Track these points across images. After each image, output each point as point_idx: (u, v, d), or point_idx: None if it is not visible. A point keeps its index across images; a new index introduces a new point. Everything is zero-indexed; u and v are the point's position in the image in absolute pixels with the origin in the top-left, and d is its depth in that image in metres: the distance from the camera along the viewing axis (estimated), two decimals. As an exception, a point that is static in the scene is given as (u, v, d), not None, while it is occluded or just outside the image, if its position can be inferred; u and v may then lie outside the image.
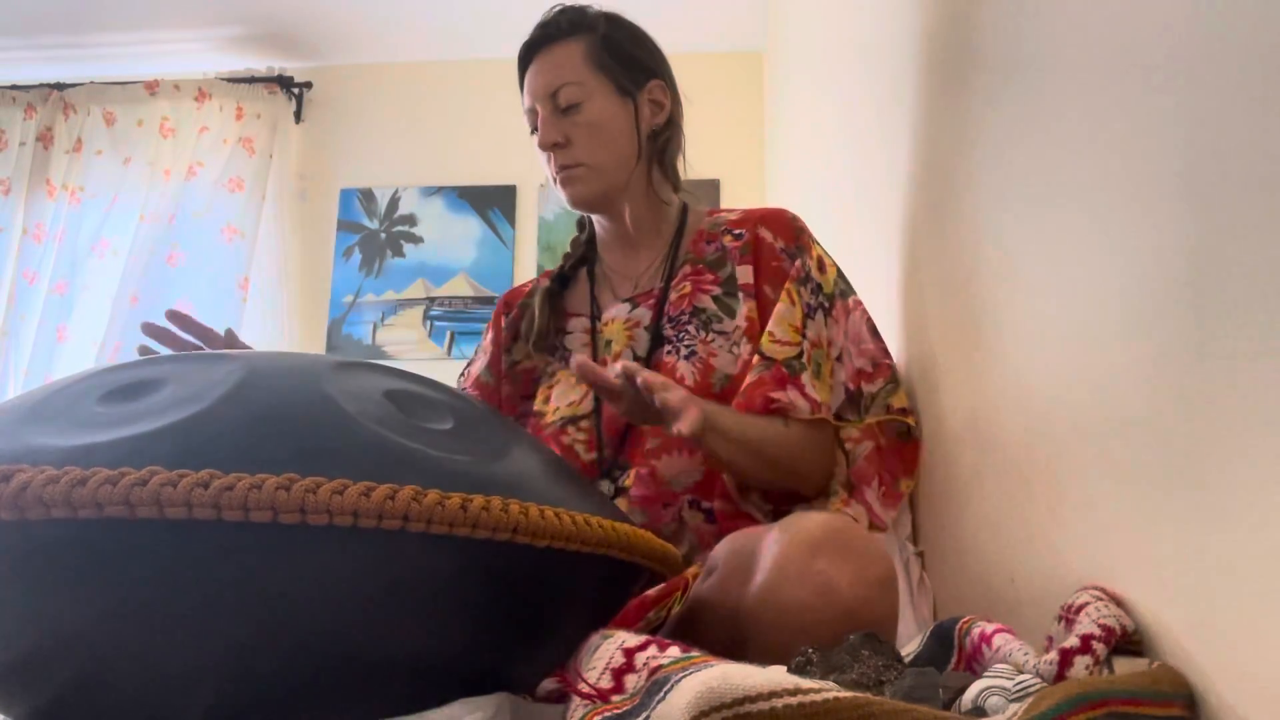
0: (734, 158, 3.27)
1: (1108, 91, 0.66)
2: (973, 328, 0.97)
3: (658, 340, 1.17)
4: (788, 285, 1.14)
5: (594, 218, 1.28)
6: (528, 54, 1.22)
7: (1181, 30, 0.57)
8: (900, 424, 1.15)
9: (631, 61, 1.22)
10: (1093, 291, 0.68)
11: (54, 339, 3.30)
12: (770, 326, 1.12)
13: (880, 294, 1.39)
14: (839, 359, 1.15)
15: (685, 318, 1.16)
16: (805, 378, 1.09)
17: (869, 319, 1.19)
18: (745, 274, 1.17)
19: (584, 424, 1.17)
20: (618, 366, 0.95)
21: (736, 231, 1.20)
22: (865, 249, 1.54)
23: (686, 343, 1.14)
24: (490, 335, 1.34)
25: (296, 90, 3.57)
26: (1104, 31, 0.67)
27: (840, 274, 1.21)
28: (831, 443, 1.13)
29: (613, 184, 1.20)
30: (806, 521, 0.76)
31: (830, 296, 1.17)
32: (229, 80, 3.53)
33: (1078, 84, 0.71)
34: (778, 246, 1.18)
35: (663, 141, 1.24)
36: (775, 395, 1.07)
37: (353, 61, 3.60)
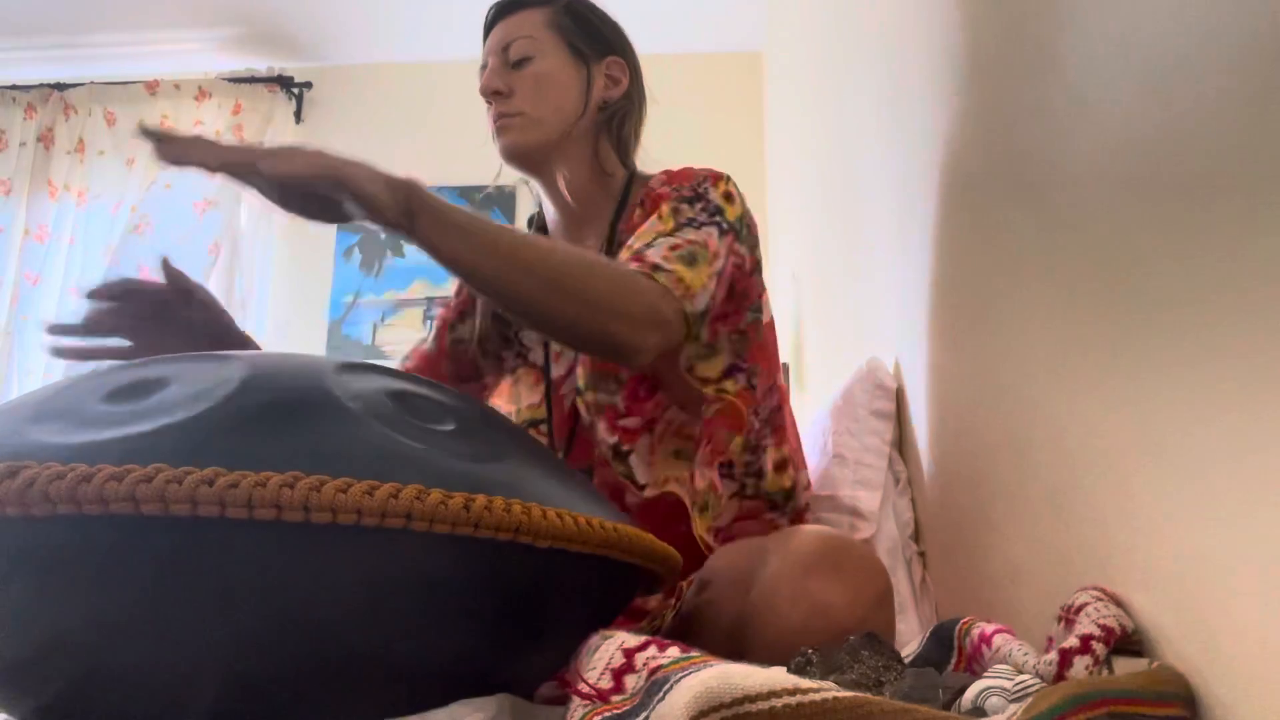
0: (734, 158, 3.27)
1: (1113, 86, 0.66)
2: (975, 326, 0.97)
3: None
4: (662, 206, 1.03)
5: (539, 194, 1.22)
6: (493, 19, 1.20)
7: (1188, 26, 0.57)
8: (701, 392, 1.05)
9: (591, 30, 1.18)
10: (1092, 290, 0.69)
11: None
12: (629, 240, 1.00)
13: (881, 292, 1.40)
14: (719, 274, 1.00)
15: None
16: (650, 252, 0.95)
17: (735, 276, 1.06)
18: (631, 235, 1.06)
19: (543, 427, 1.14)
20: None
21: (648, 200, 1.12)
22: (866, 247, 1.54)
23: None
24: (442, 310, 1.29)
25: (296, 90, 3.57)
26: (1109, 26, 0.67)
27: (744, 221, 1.07)
28: (667, 307, 0.91)
29: (547, 138, 1.13)
30: (801, 537, 0.75)
31: (731, 225, 1.04)
32: (229, 80, 3.53)
33: (1081, 80, 0.72)
34: (668, 190, 1.08)
35: (614, 114, 1.18)
36: None
37: (353, 61, 3.60)
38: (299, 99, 3.57)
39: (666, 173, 1.14)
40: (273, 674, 0.57)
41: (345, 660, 0.58)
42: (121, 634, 0.54)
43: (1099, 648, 0.57)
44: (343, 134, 3.57)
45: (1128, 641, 0.59)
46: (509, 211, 3.42)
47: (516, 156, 1.16)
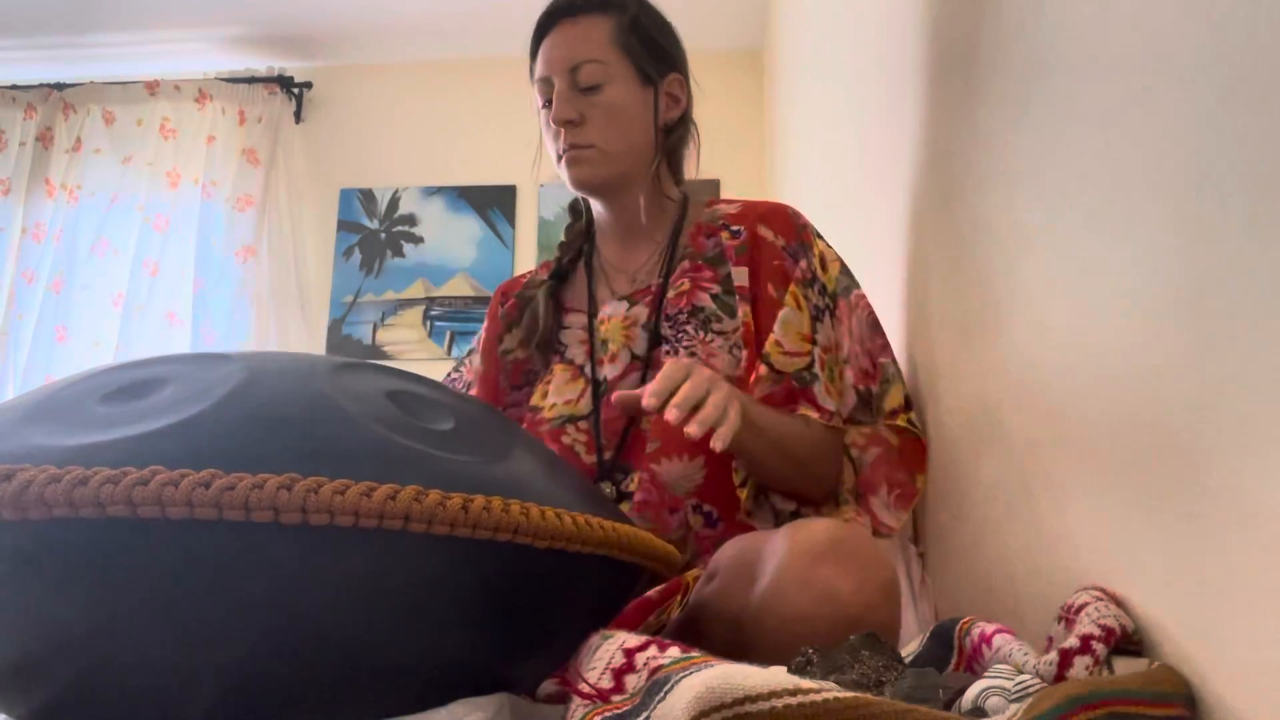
0: (734, 157, 3.27)
1: (1113, 88, 0.66)
2: (975, 327, 0.97)
3: (656, 339, 1.14)
4: (793, 288, 1.11)
5: (594, 207, 1.25)
6: (550, 20, 1.17)
7: (1184, 28, 0.57)
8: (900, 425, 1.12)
9: (656, 49, 1.18)
10: (1095, 292, 0.68)
11: (53, 338, 3.30)
12: (777, 335, 1.09)
13: (883, 293, 1.40)
14: (846, 361, 1.13)
15: (684, 317, 1.14)
16: (816, 389, 1.07)
17: (870, 313, 1.16)
18: (741, 275, 1.14)
19: (582, 424, 1.15)
20: (647, 401, 0.91)
21: (735, 228, 1.16)
22: (867, 247, 1.54)
23: (685, 343, 1.12)
24: (486, 324, 1.32)
25: (296, 90, 3.57)
26: (1106, 29, 0.67)
27: (843, 269, 1.17)
28: (842, 449, 1.11)
29: (621, 172, 1.16)
30: (809, 528, 0.75)
31: (834, 295, 1.14)
32: (229, 80, 3.53)
33: (1081, 81, 0.71)
34: (779, 245, 1.14)
35: (675, 138, 1.21)
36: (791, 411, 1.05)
37: (353, 61, 3.60)
38: (299, 99, 3.57)
39: (735, 202, 1.21)
40: (271, 675, 0.57)
41: (344, 661, 0.58)
42: (119, 636, 0.54)
43: (1099, 648, 0.57)
44: (343, 134, 3.57)
45: (1128, 641, 0.59)
46: (509, 211, 3.42)
47: (587, 188, 1.19)
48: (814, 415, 1.05)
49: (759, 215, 1.17)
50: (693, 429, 0.87)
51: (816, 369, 1.08)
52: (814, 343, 1.09)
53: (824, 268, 1.15)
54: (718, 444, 0.87)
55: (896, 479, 1.11)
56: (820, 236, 1.18)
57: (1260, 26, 0.49)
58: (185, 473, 0.52)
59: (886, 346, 1.16)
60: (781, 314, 1.10)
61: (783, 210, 1.18)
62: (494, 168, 3.38)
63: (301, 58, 3.57)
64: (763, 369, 1.07)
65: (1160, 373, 0.58)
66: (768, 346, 1.08)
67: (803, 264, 1.13)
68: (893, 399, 1.12)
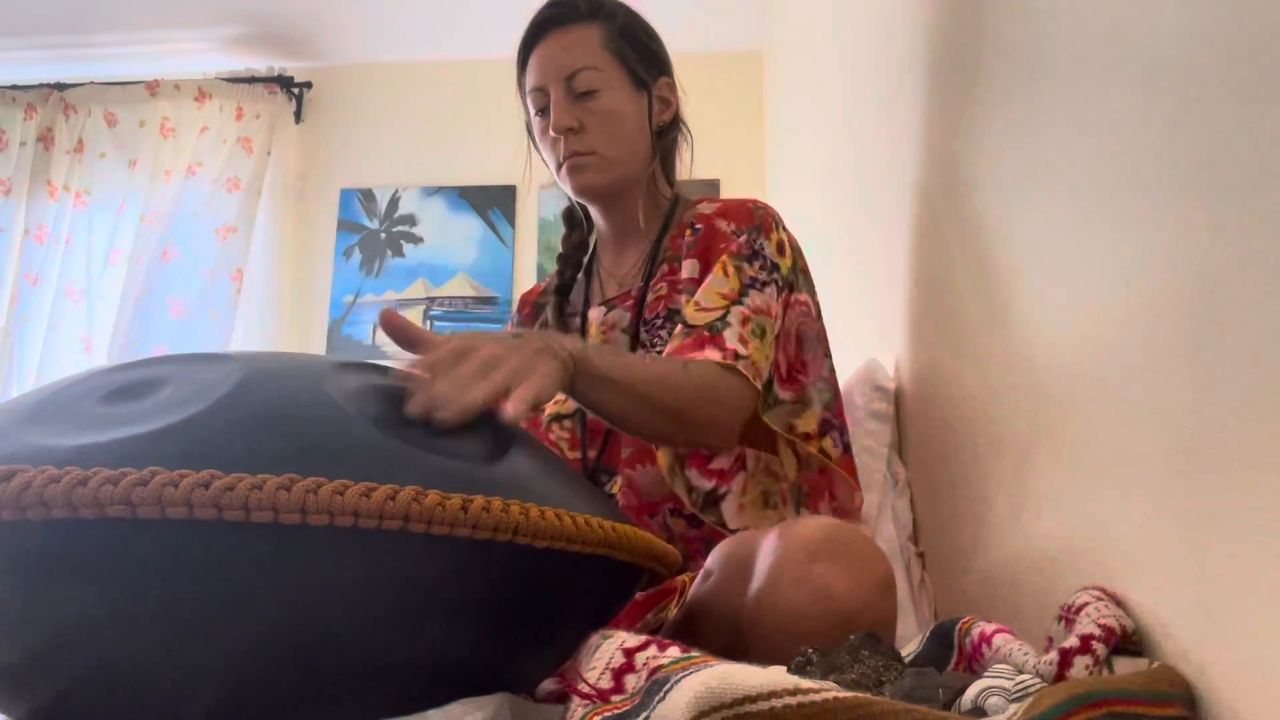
0: (734, 158, 3.27)
1: (1113, 88, 0.66)
2: (975, 328, 0.97)
3: (634, 344, 1.14)
4: (724, 259, 1.08)
5: (593, 214, 1.25)
6: (539, 30, 1.17)
7: (1186, 27, 0.57)
8: (805, 451, 1.08)
9: (646, 53, 1.19)
10: (1096, 291, 0.68)
11: (68, 344, 3.29)
12: (696, 296, 1.06)
13: (882, 293, 1.40)
14: (777, 337, 1.08)
15: (660, 320, 1.13)
16: (727, 334, 1.02)
17: (803, 325, 1.12)
18: (691, 268, 1.12)
19: (567, 423, 1.15)
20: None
21: (698, 226, 1.15)
22: (867, 248, 1.54)
23: (658, 347, 1.11)
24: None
25: (296, 90, 3.56)
26: (1108, 28, 0.67)
27: (797, 268, 1.13)
28: (747, 400, 1.02)
29: (622, 177, 1.17)
30: (805, 525, 0.75)
31: (786, 280, 1.10)
32: (229, 80, 3.53)
33: (1082, 81, 0.71)
34: (729, 230, 1.12)
35: (668, 141, 1.22)
36: (690, 356, 1.01)
37: (353, 61, 3.60)
38: (299, 99, 3.57)
39: (716, 202, 1.19)
40: (271, 675, 0.57)
41: (343, 661, 0.58)
42: (118, 637, 0.54)
43: (1099, 648, 0.57)
44: (343, 134, 3.57)
45: (1128, 641, 0.59)
46: (509, 210, 3.42)
47: (590, 194, 1.18)
48: (715, 354, 0.99)
49: (722, 210, 1.16)
50: (469, 396, 0.71)
51: (729, 319, 1.03)
52: (735, 302, 1.04)
53: (780, 253, 1.11)
54: (510, 407, 0.72)
55: (839, 490, 1.09)
56: (785, 229, 1.15)
57: (1261, 24, 0.49)
58: (184, 473, 0.52)
59: (808, 366, 1.11)
60: (706, 280, 1.07)
61: (746, 203, 1.16)
62: (494, 168, 3.38)
63: (301, 58, 3.57)
64: (678, 328, 1.05)
65: (1161, 373, 0.58)
66: (685, 308, 1.06)
67: (743, 239, 1.10)
68: (807, 422, 1.08)
